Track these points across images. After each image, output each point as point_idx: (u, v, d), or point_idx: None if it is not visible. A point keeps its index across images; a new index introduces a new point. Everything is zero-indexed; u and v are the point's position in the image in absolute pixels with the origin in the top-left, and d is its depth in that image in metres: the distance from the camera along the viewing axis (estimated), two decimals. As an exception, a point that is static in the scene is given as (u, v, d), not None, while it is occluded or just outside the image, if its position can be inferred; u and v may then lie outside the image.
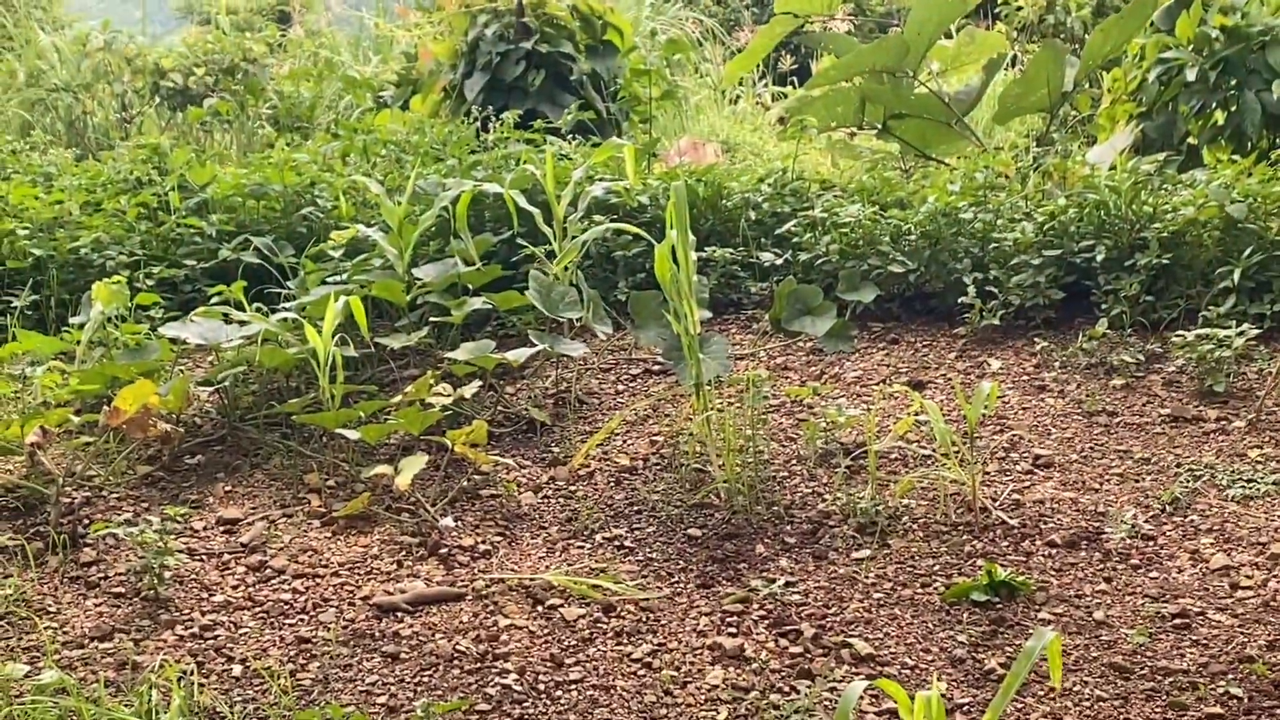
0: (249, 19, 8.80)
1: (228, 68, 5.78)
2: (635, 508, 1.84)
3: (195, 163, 3.29)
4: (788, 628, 1.38)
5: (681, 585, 1.55)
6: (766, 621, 1.40)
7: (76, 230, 2.89)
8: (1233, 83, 3.20)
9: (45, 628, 1.33)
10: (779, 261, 2.83)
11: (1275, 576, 1.47)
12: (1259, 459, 1.86)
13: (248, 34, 6.70)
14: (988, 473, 1.88)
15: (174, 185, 3.09)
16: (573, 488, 1.93)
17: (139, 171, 3.29)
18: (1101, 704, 1.17)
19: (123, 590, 1.50)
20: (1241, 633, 1.32)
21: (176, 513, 1.62)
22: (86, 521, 1.67)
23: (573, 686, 1.24)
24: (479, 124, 4.01)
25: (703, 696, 1.21)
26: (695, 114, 5.95)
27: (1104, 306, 2.47)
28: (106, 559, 1.60)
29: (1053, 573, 1.53)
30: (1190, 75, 3.21)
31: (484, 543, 1.69)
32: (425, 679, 1.24)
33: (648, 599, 1.49)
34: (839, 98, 4.22)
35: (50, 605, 1.45)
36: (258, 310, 2.31)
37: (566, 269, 2.39)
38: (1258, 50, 3.17)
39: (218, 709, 1.14)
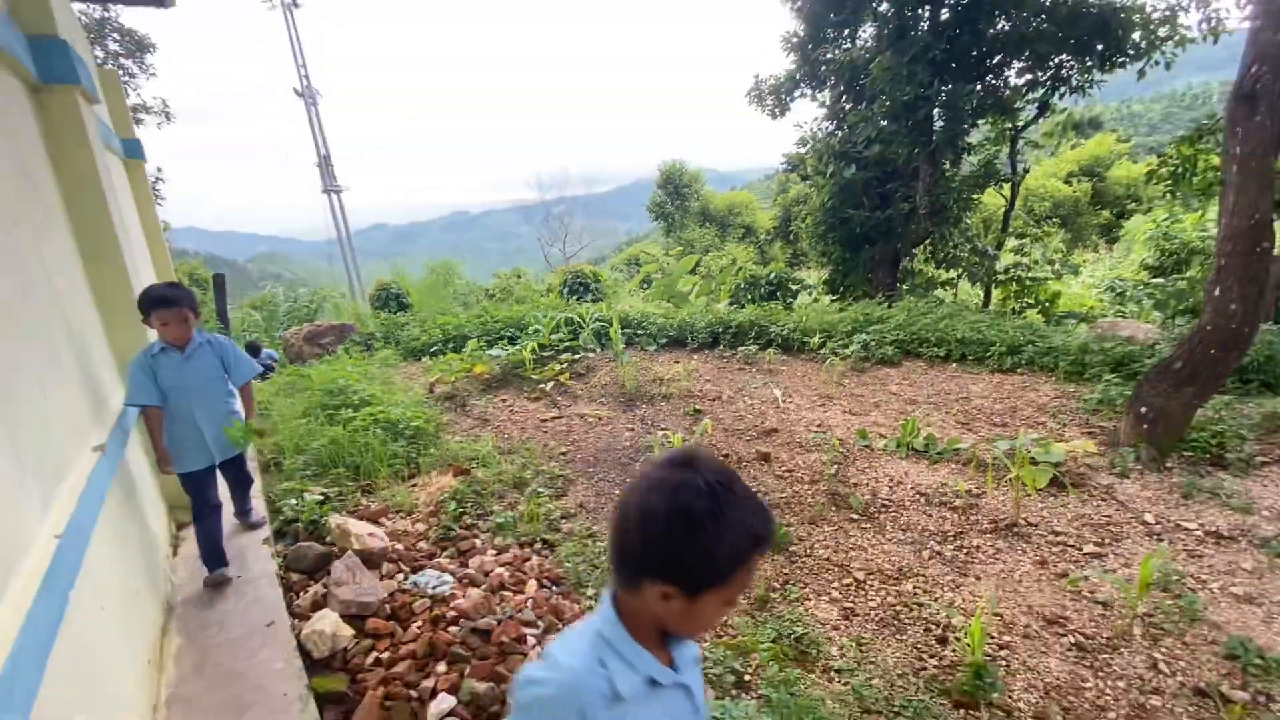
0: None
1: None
2: (603, 393, 6.39)
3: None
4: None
5: (613, 413, 6.07)
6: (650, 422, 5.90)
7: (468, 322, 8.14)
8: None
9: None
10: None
11: None
12: None
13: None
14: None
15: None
16: (591, 390, 6.51)
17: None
18: None
19: (473, 419, 6.37)
20: None
21: (491, 399, 6.50)
22: (465, 402, 6.61)
23: (589, 438, 5.81)
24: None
25: (620, 440, 5.75)
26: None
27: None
28: (476, 412, 6.51)
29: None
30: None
31: (567, 403, 6.35)
32: (552, 436, 5.90)
33: (607, 416, 6.03)
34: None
35: (460, 428, 6.40)
36: (510, 343, 7.22)
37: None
38: None
39: (497, 444, 5.91)
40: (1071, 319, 9.27)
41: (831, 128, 12.17)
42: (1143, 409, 4.76)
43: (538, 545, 3.77)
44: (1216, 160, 10.14)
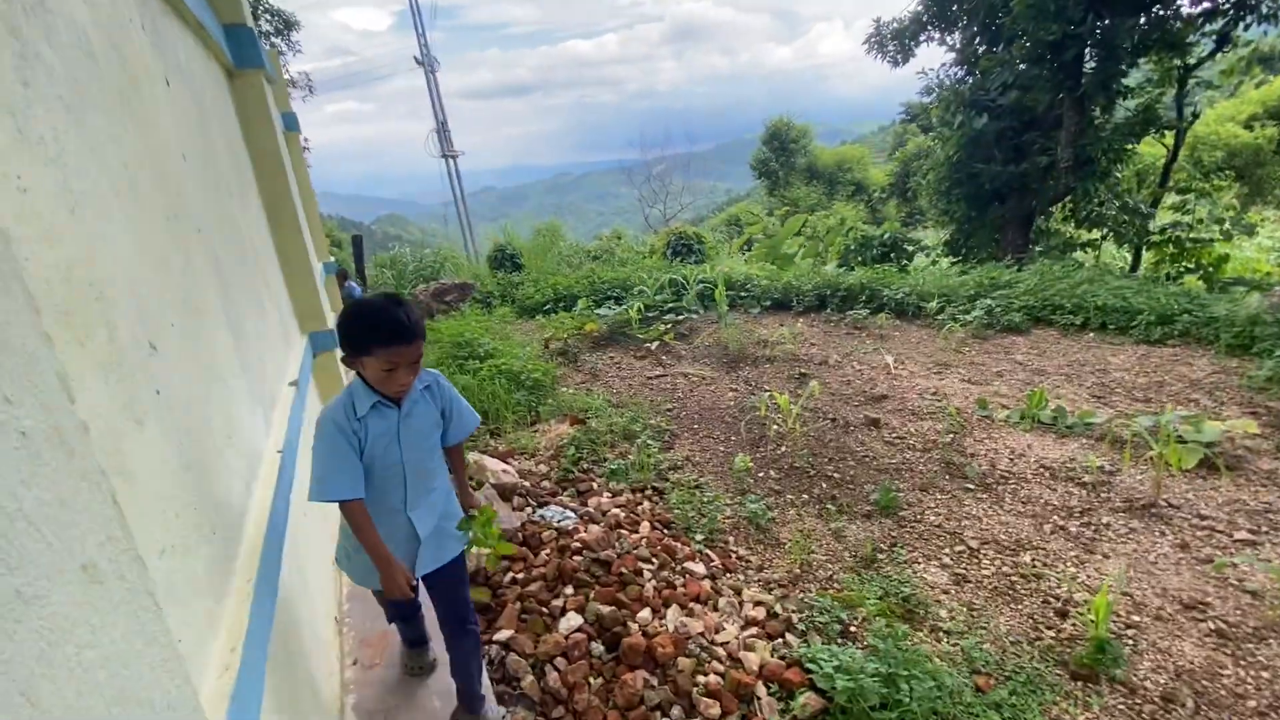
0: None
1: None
2: (706, 354, 6.50)
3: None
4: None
5: (716, 373, 6.18)
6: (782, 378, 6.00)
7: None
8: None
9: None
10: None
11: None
12: None
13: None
14: None
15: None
16: (695, 350, 6.65)
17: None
18: None
19: (585, 374, 6.69)
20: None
21: (601, 356, 6.81)
22: (576, 358, 6.95)
23: (694, 396, 5.99)
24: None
25: (723, 399, 5.89)
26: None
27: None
28: (587, 367, 6.85)
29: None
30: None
31: (671, 363, 6.53)
32: (657, 393, 6.11)
33: (710, 376, 6.16)
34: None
35: (573, 381, 6.75)
36: (617, 303, 7.48)
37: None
38: None
39: (607, 398, 6.19)
40: (1241, 286, 8.16)
41: (961, 73, 11.22)
42: (1325, 388, 4.21)
43: (648, 491, 4.02)
44: None
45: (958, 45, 11.21)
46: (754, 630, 2.79)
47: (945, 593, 3.18)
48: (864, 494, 4.04)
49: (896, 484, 4.12)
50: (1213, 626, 2.86)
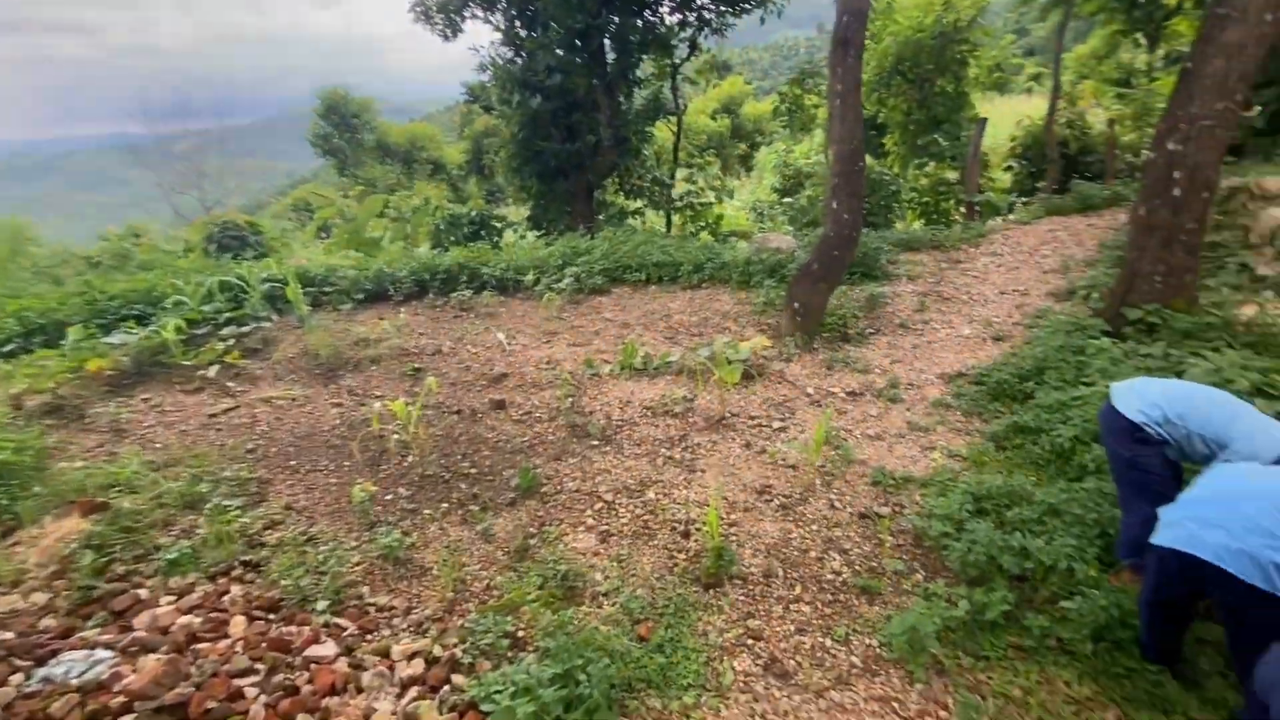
0: None
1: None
2: (292, 369, 5.40)
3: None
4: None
5: (310, 390, 5.15)
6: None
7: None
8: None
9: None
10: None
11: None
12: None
13: None
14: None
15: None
16: (275, 367, 5.44)
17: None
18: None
19: (100, 433, 4.83)
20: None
21: (125, 402, 4.95)
22: (81, 413, 4.92)
23: (284, 426, 4.81)
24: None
25: (325, 420, 4.84)
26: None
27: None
28: (103, 423, 4.90)
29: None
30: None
31: (243, 389, 5.18)
32: (229, 433, 4.74)
33: (302, 395, 5.07)
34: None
35: (80, 449, 4.77)
36: (140, 324, 5.45)
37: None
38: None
39: (147, 459, 4.59)
40: (734, 237, 10.92)
41: (510, 54, 11.76)
42: (795, 304, 5.85)
43: (237, 572, 3.02)
44: (813, 100, 12.74)
45: (502, 25, 11.69)
46: (415, 692, 2.33)
47: (596, 555, 3.27)
48: (505, 482, 3.88)
49: (534, 461, 4.09)
50: (778, 503, 3.65)
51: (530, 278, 7.56)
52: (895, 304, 6.59)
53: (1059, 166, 11.59)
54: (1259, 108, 7.31)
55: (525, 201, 12.74)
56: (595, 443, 4.29)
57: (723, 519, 3.49)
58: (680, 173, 13.60)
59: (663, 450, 4.20)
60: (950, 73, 12.61)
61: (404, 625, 2.79)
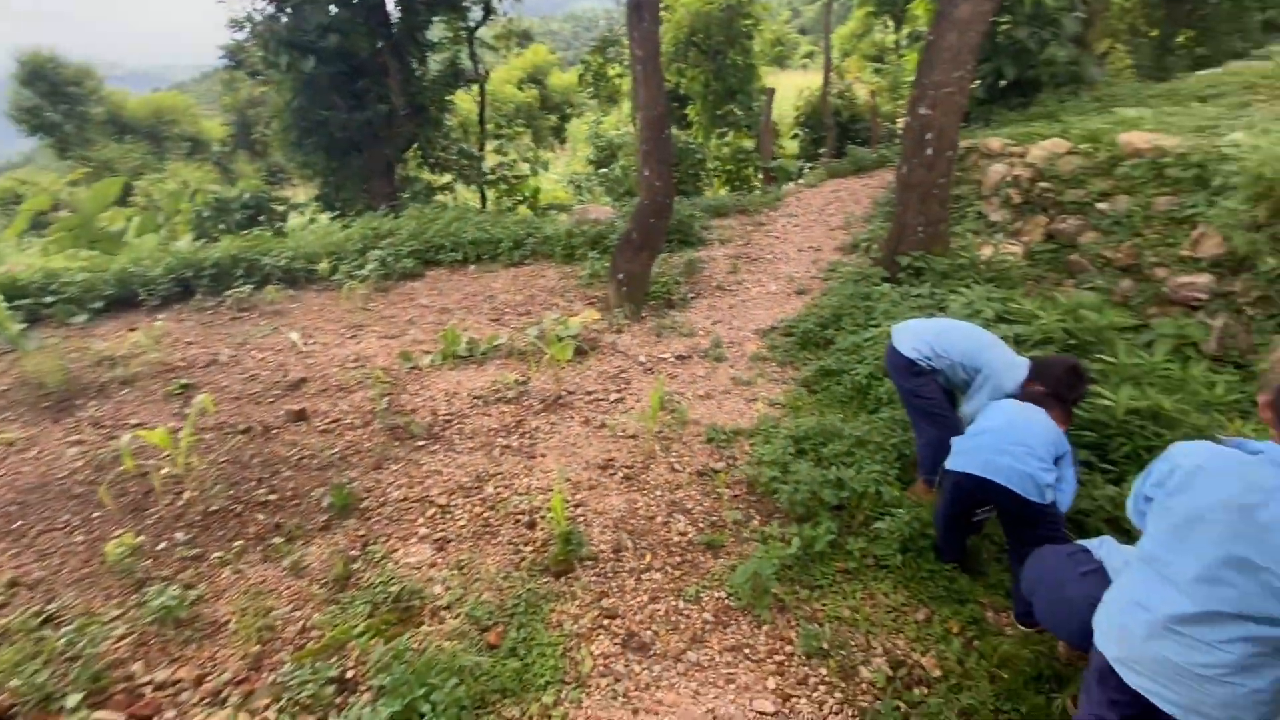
0: None
1: None
2: (6, 404, 4.22)
3: None
4: None
5: (34, 429, 4.05)
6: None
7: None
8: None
9: None
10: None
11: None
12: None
13: None
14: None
15: None
16: None
17: None
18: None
19: None
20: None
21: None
22: None
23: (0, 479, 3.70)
24: None
25: (60, 464, 3.79)
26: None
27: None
28: None
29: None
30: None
31: None
32: None
33: (22, 437, 3.96)
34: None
35: None
36: None
37: None
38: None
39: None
40: (554, 210, 10.69)
41: (272, 10, 10.16)
42: (619, 275, 5.84)
43: (-68, 683, 2.26)
44: (616, 69, 12.81)
45: (256, -25, 10.01)
46: (214, 780, 1.91)
47: (433, 566, 2.98)
48: (315, 503, 3.38)
49: (348, 474, 3.61)
50: (622, 475, 3.62)
51: (325, 266, 6.70)
52: (711, 268, 6.89)
53: (835, 134, 12.95)
54: (979, 80, 8.73)
55: (312, 180, 11.26)
56: (421, 443, 3.91)
57: (568, 501, 3.37)
58: (490, 144, 12.94)
59: (499, 440, 3.96)
60: (739, 45, 13.39)
61: (195, 699, 2.29)
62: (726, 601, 2.79)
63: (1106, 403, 3.18)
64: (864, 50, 17.33)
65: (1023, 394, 2.83)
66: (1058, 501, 2.50)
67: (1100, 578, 1.96)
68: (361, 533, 3.19)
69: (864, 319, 4.93)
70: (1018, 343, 3.77)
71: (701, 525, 3.24)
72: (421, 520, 3.27)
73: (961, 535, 2.82)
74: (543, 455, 3.80)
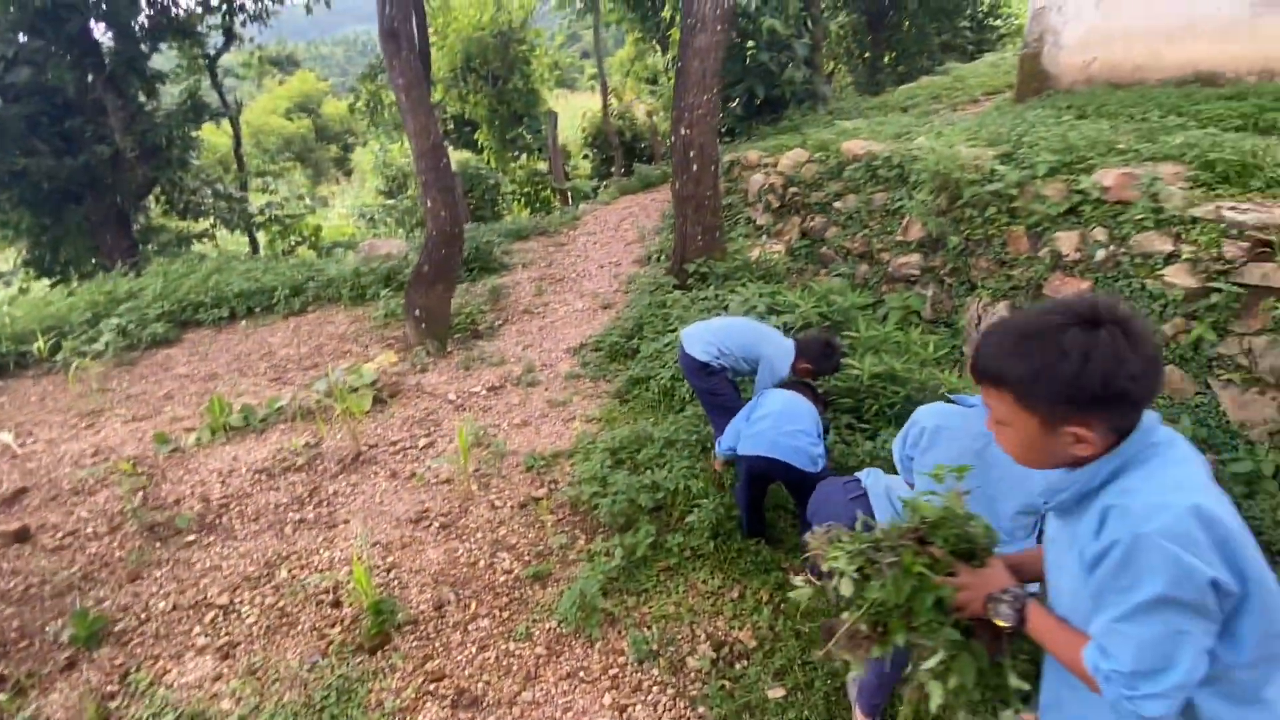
0: None
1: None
2: None
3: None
4: None
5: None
6: None
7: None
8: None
9: None
10: None
11: None
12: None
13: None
14: None
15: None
16: None
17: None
18: None
19: None
20: None
21: None
22: None
23: None
24: None
25: None
26: None
27: None
28: None
29: None
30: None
31: None
32: None
33: None
34: None
35: None
36: None
37: None
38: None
39: None
40: (340, 248, 9.88)
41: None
42: (416, 311, 5.56)
43: None
44: (391, 97, 12.22)
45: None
46: None
47: (219, 679, 2.57)
48: (50, 640, 2.74)
49: (95, 595, 2.99)
50: (438, 525, 3.43)
51: (42, 345, 5.49)
52: (516, 292, 6.86)
53: (621, 153, 13.64)
54: (736, 99, 9.79)
55: (15, 242, 9.17)
56: (191, 537, 3.36)
57: (378, 566, 3.12)
58: (254, 183, 11.58)
59: (290, 515, 3.54)
60: (518, 70, 13.54)
61: None
62: (558, 630, 2.77)
63: (855, 371, 3.73)
64: (639, 73, 18.51)
65: (794, 370, 3.26)
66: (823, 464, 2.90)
67: (865, 501, 2.29)
68: (120, 661, 2.65)
69: (662, 325, 5.24)
70: (786, 329, 4.27)
71: (527, 558, 3.19)
72: (198, 629, 2.80)
73: (760, 510, 3.12)
74: (345, 522, 3.47)
